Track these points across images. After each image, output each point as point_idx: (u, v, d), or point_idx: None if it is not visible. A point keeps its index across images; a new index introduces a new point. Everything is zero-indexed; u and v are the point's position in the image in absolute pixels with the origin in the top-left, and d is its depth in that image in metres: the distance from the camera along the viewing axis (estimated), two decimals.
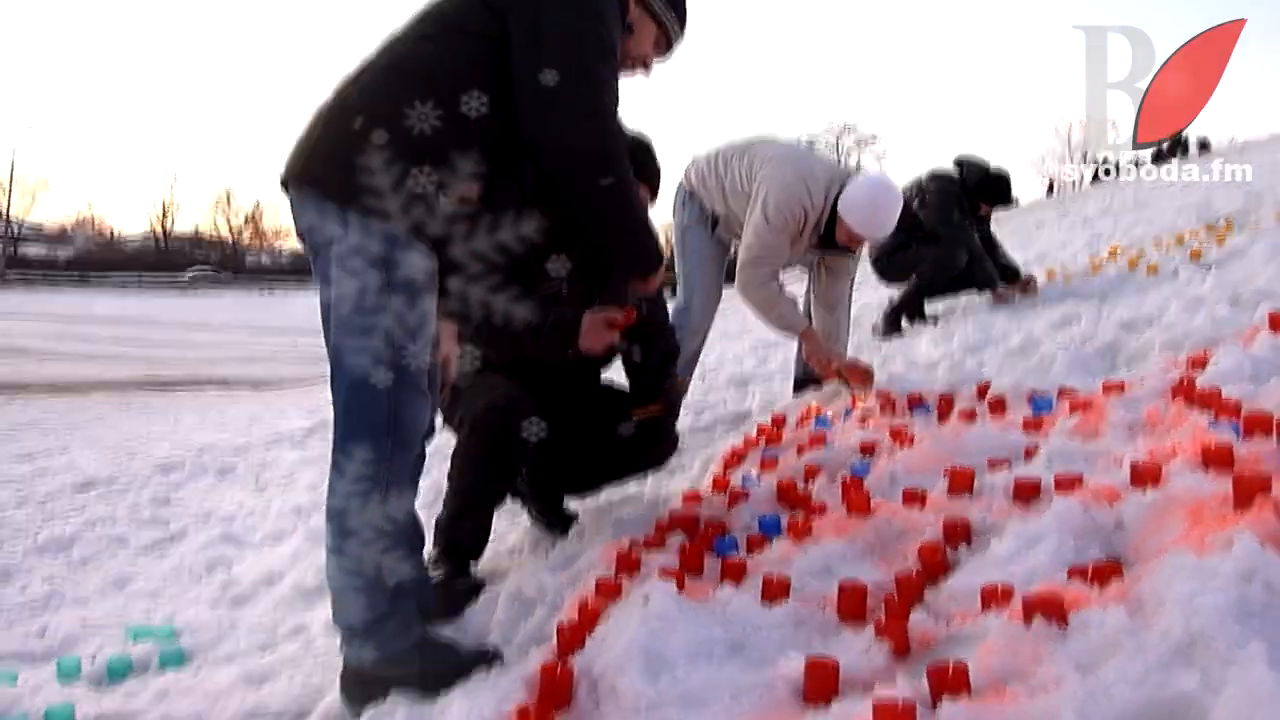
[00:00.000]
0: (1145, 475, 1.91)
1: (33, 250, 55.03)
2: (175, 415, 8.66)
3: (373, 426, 1.87)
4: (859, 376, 3.72)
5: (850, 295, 4.17)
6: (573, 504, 3.04)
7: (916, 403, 3.31)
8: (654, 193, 2.93)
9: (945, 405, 3.21)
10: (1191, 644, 1.17)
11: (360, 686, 1.92)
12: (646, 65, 2.38)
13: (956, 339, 4.56)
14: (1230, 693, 1.07)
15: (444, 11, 2.03)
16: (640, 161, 2.68)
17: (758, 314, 3.92)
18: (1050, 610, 1.38)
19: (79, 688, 2.09)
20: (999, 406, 3.05)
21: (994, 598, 1.56)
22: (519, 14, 1.95)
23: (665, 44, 2.38)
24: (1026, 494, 2.05)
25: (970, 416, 2.95)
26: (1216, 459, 1.87)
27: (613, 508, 2.94)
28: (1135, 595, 1.36)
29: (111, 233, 63.51)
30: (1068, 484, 2.00)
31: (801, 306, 4.18)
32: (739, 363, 5.57)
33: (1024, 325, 4.58)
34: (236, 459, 5.62)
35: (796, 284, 4.39)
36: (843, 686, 1.46)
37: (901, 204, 3.75)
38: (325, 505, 1.90)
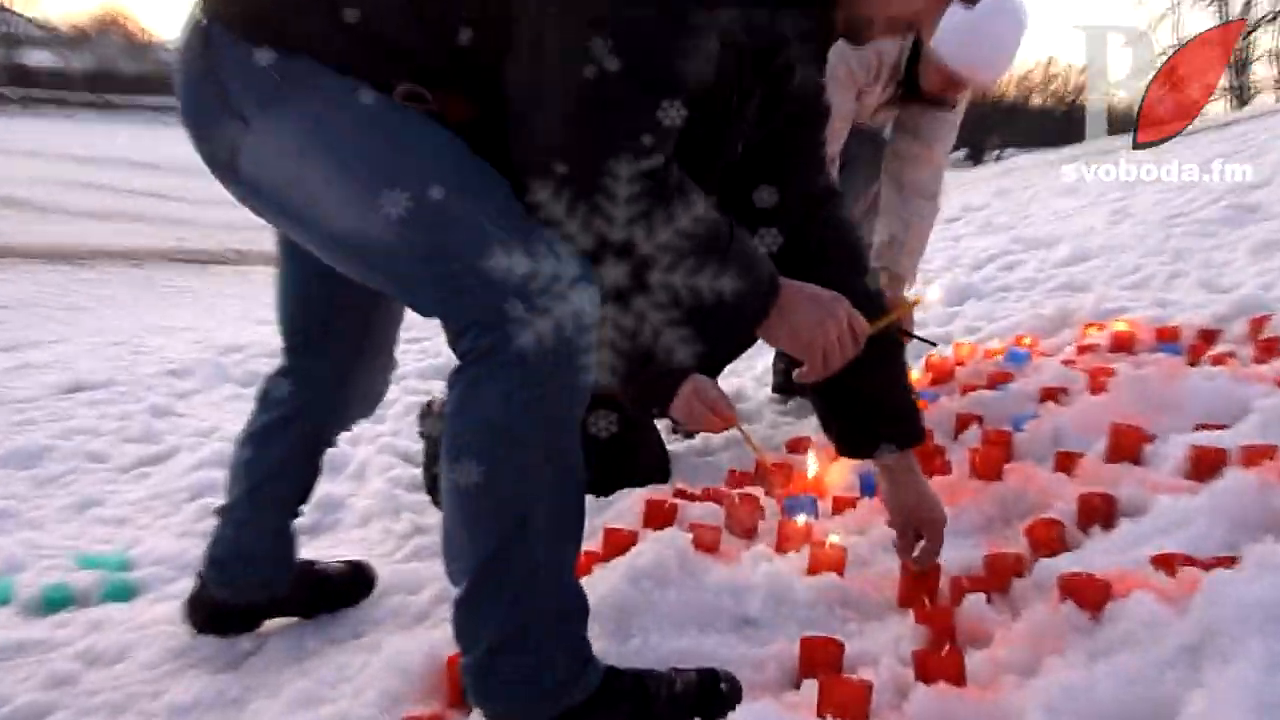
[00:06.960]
0: None
1: (39, 58, 58.49)
2: (210, 302, 9.55)
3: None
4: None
5: (940, 181, 4.00)
6: None
7: (1168, 338, 3.51)
8: None
9: (1203, 344, 3.40)
10: (1201, 643, 1.46)
11: None
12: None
13: None
14: (1204, 695, 1.36)
15: None
16: None
17: None
18: (1084, 597, 1.68)
19: (5, 613, 2.67)
20: (1269, 350, 3.21)
21: (1070, 588, 1.85)
22: None
23: None
24: (1205, 465, 2.29)
25: (1219, 360, 3.13)
26: None
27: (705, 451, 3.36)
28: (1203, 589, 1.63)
29: (146, 38, 66.77)
30: (1257, 456, 2.22)
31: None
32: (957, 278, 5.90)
33: None
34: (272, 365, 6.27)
35: None
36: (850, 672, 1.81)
37: (1022, 28, 3.48)
38: None
